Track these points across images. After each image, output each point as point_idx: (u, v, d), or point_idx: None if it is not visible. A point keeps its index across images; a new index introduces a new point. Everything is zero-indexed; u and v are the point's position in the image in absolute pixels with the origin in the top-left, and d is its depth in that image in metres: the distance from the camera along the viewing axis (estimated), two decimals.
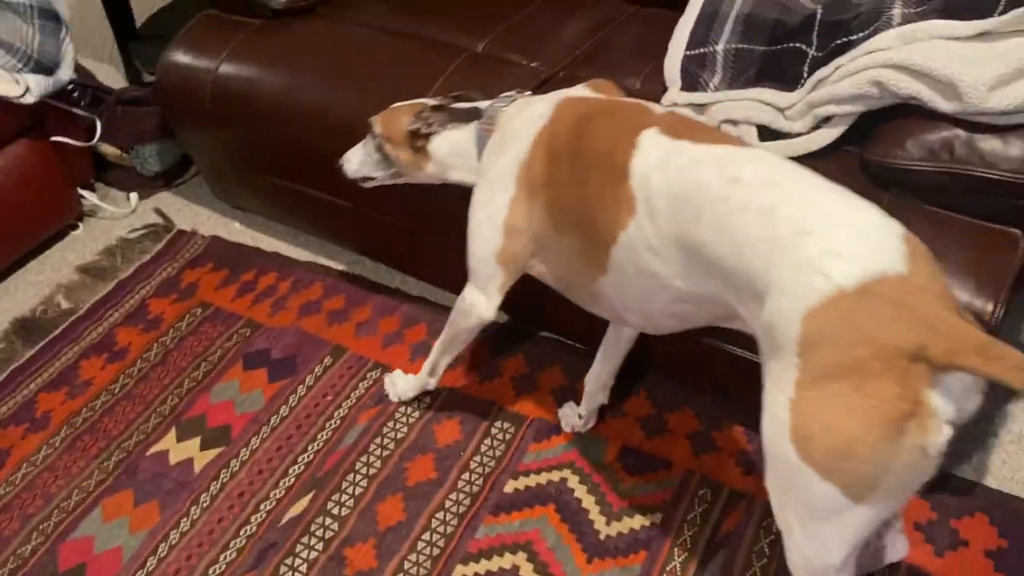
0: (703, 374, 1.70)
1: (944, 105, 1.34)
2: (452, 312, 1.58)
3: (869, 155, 1.44)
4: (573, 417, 1.74)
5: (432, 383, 1.76)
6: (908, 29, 1.37)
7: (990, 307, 1.29)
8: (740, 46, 1.59)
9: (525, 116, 1.43)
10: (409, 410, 1.82)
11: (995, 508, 1.58)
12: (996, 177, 1.33)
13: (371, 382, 1.88)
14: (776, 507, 1.08)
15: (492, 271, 1.47)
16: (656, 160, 1.17)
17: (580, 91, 1.47)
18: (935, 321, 0.91)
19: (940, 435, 0.92)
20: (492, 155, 1.46)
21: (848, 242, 0.97)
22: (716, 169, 1.10)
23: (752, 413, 1.70)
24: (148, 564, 1.60)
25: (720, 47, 1.59)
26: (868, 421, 0.91)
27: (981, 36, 1.34)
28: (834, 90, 1.43)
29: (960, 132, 1.36)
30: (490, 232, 1.43)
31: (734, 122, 1.53)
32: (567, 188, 1.31)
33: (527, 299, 1.83)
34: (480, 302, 1.50)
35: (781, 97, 1.51)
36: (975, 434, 1.72)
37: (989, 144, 1.34)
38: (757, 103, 1.51)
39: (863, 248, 0.96)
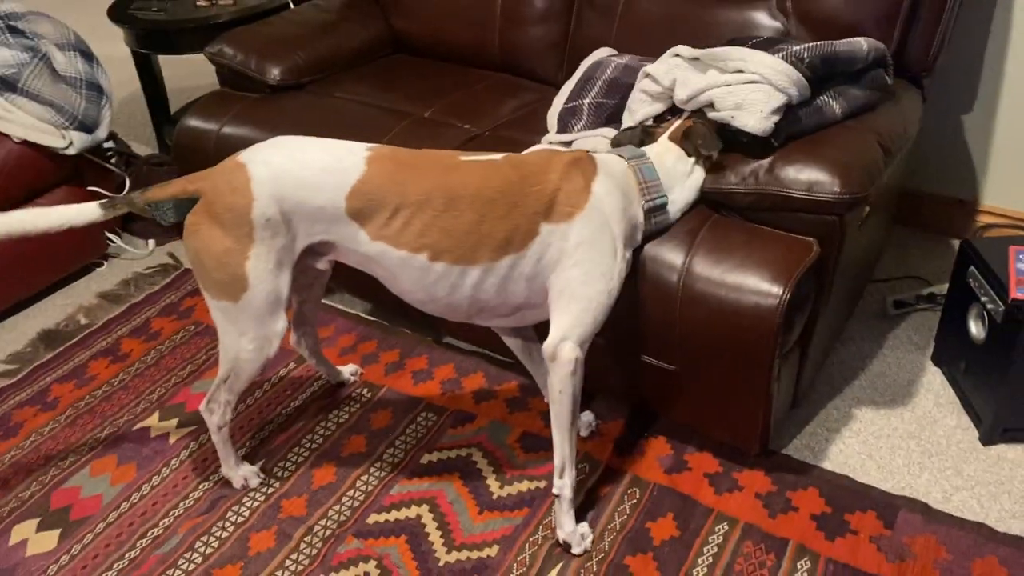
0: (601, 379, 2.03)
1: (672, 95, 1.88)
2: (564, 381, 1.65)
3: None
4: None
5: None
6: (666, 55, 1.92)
7: (778, 290, 1.63)
8: (600, 100, 2.04)
9: None
10: (352, 402, 2.18)
11: (825, 483, 1.88)
12: (788, 195, 1.71)
13: (324, 382, 2.25)
14: None
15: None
16: None
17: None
18: None
19: None
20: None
21: None
22: None
23: (624, 403, 2.03)
24: (121, 507, 1.94)
25: (587, 101, 2.05)
26: None
27: (695, 61, 1.84)
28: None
29: (764, 163, 1.75)
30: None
31: None
32: None
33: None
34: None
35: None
36: (817, 429, 2.02)
37: (785, 172, 1.72)
38: (603, 139, 1.97)
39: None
